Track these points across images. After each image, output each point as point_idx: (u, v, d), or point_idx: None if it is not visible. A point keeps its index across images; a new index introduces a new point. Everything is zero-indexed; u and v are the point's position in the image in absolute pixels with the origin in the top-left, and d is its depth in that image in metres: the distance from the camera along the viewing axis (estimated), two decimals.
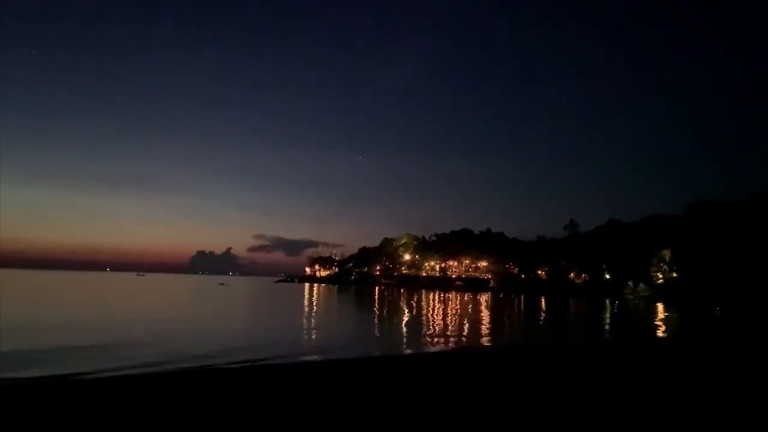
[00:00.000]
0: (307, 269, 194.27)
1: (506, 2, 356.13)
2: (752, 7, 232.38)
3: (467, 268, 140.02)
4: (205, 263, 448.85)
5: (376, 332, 24.20)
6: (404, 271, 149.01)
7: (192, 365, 12.50)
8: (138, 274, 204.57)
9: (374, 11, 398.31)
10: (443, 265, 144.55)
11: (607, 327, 31.20)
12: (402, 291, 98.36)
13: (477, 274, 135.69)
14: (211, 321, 27.40)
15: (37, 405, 7.89)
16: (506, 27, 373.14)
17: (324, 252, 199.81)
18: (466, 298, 67.48)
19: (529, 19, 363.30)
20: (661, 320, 36.53)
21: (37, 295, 48.20)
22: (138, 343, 16.36)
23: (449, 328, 25.95)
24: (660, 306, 57.74)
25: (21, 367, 11.58)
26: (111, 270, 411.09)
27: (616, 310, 49.02)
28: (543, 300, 69.44)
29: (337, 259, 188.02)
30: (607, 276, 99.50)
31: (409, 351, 17.12)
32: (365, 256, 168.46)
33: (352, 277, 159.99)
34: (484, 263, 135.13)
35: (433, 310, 41.30)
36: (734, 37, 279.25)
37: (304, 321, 29.10)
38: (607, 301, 71.27)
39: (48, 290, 58.02)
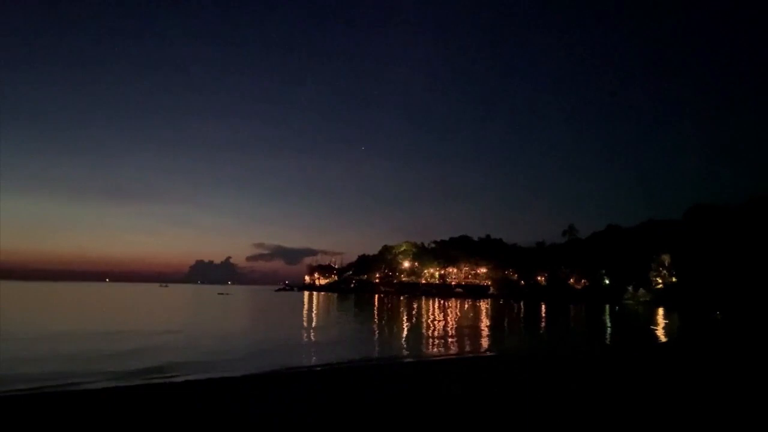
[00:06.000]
0: (307, 278, 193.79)
1: (507, 8, 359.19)
2: (751, 10, 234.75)
3: (466, 274, 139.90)
4: (204, 273, 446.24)
5: (377, 340, 24.15)
6: (404, 279, 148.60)
7: (192, 375, 12.49)
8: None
9: (373, 19, 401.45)
10: (442, 272, 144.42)
11: (608, 333, 31.16)
12: (402, 298, 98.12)
13: (476, 281, 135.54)
14: (214, 330, 27.30)
15: (33, 417, 7.90)
16: (505, 33, 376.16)
17: (323, 260, 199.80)
18: (466, 305, 67.34)
19: (528, 24, 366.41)
20: (661, 325, 36.51)
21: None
22: (140, 353, 16.34)
23: (450, 335, 25.91)
24: (660, 311, 57.65)
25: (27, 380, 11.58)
26: (110, 281, 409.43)
27: (616, 316, 48.96)
28: (543, 306, 69.30)
29: (336, 267, 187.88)
30: (607, 281, 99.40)
31: (409, 358, 17.09)
32: (364, 263, 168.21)
33: (352, 285, 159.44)
34: (483, 270, 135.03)
35: (434, 317, 41.21)
36: (733, 40, 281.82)
37: (306, 329, 29.02)
38: (607, 306, 71.19)
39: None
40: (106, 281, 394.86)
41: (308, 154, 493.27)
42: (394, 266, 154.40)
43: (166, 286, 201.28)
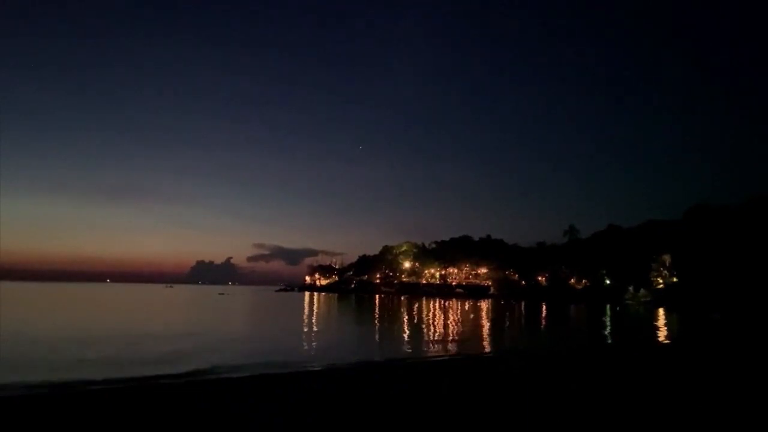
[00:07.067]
0: (307, 278, 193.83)
1: (503, 7, 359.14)
2: (749, 10, 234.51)
3: (467, 275, 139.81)
4: (205, 273, 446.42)
5: (377, 340, 24.27)
6: (404, 279, 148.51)
7: (190, 373, 12.60)
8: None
9: (371, 20, 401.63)
10: (443, 272, 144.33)
11: (608, 333, 31.22)
12: (402, 299, 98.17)
13: (477, 281, 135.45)
14: (214, 330, 27.37)
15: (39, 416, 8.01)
16: (503, 33, 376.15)
17: (324, 260, 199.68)
18: (467, 306, 67.39)
19: (527, 25, 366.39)
20: (662, 325, 36.56)
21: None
22: (146, 355, 16.43)
23: (451, 335, 25.98)
24: (661, 311, 57.69)
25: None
26: (111, 281, 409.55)
27: (616, 316, 49.01)
28: (544, 306, 69.34)
29: (336, 267, 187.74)
30: (608, 281, 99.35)
31: (410, 359, 17.18)
32: (365, 264, 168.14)
33: (352, 286, 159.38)
34: (484, 270, 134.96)
35: (435, 317, 41.28)
36: (732, 40, 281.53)
37: (307, 330, 29.11)
38: (608, 306, 71.18)
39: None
40: (107, 282, 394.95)
41: (308, 154, 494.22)
42: (395, 266, 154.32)
43: (171, 286, 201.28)
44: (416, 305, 65.35)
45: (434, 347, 20.61)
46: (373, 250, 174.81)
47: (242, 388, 10.72)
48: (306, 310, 51.00)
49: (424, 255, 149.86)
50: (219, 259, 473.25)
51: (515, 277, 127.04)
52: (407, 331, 28.03)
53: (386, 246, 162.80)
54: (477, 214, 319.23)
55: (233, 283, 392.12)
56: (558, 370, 13.20)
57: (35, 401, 9.26)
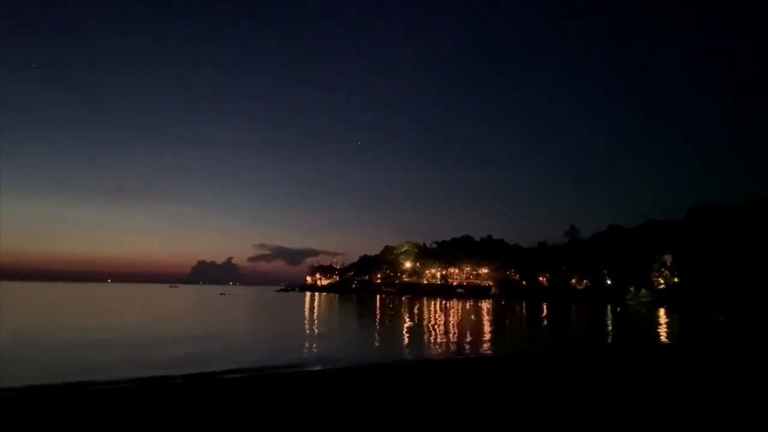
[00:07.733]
0: (308, 278, 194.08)
1: (509, 8, 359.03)
2: (750, 10, 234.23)
3: (468, 275, 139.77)
4: (206, 273, 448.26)
5: (378, 341, 24.27)
6: (405, 279, 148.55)
7: (191, 372, 12.60)
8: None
9: (371, 20, 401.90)
10: (444, 272, 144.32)
11: (608, 333, 31.20)
12: (403, 299, 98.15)
13: (478, 281, 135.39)
14: (215, 330, 27.36)
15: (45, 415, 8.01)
16: (503, 34, 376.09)
17: (325, 261, 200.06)
18: (468, 306, 67.35)
19: (527, 25, 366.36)
20: (663, 325, 36.52)
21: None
22: (147, 356, 16.42)
23: (452, 336, 25.97)
24: (662, 311, 57.64)
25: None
26: (112, 281, 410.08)
27: (617, 316, 48.97)
28: (545, 306, 69.28)
29: (337, 267, 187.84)
30: (609, 282, 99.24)
31: (411, 359, 17.18)
32: (366, 264, 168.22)
33: (353, 286, 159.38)
34: (485, 270, 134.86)
35: (435, 318, 41.26)
36: (733, 41, 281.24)
37: (307, 330, 29.12)
38: (609, 306, 71.11)
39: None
40: (108, 282, 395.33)
41: (309, 154, 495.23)
42: (396, 267, 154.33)
43: (176, 286, 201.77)
44: (417, 305, 65.32)
45: (435, 348, 20.60)
46: (374, 250, 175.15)
47: (243, 388, 10.73)
48: (307, 311, 51.01)
49: (425, 255, 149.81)
50: (220, 259, 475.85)
51: (516, 277, 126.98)
52: (408, 332, 28.03)
53: (387, 246, 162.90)
54: (478, 214, 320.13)
55: (234, 283, 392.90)
56: (559, 370, 13.19)
57: (36, 402, 9.27)
